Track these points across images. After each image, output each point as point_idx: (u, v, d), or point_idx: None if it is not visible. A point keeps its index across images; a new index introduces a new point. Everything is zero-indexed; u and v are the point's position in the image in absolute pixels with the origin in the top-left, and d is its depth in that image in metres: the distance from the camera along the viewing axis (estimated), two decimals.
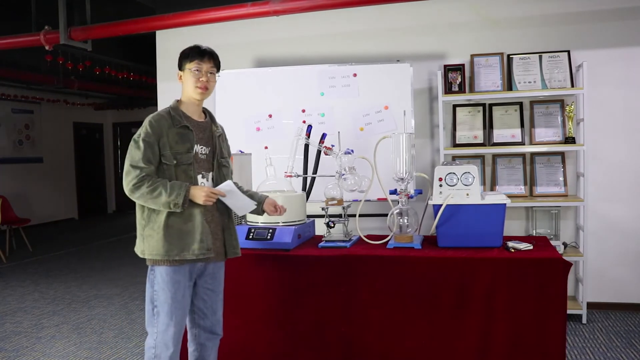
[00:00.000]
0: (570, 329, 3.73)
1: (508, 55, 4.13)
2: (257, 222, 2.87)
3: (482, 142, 4.15)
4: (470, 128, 4.20)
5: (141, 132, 2.23)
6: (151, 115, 2.28)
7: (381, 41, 4.43)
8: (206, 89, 2.32)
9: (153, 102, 6.36)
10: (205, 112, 2.45)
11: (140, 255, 2.30)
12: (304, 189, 3.45)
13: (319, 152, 3.37)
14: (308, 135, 3.28)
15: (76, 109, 10.67)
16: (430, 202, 2.67)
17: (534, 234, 4.12)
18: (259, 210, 2.52)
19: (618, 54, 4.04)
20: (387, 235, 2.82)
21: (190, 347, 2.47)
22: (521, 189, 4.13)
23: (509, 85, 4.10)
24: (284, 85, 4.20)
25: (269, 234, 2.77)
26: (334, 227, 2.87)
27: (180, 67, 2.34)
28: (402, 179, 2.71)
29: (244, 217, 3.00)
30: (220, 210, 2.39)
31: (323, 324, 2.66)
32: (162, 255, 2.22)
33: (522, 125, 4.12)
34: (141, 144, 2.20)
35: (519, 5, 4.19)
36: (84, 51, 5.76)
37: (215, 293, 2.43)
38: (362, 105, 4.07)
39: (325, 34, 4.54)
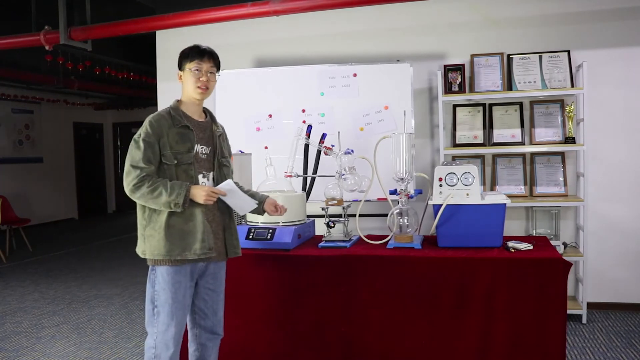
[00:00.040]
0: (570, 329, 3.73)
1: (508, 55, 4.13)
2: (257, 222, 2.87)
3: (482, 142, 4.15)
4: (470, 128, 4.20)
5: (141, 132, 2.23)
6: (151, 115, 2.28)
7: (381, 41, 4.43)
8: (206, 89, 2.32)
9: (153, 102, 6.36)
10: (206, 111, 2.45)
11: (142, 256, 2.29)
12: (304, 189, 3.45)
13: (319, 152, 3.37)
14: (308, 135, 3.28)
15: (76, 109, 10.67)
16: (430, 202, 2.67)
17: (534, 234, 4.12)
18: (259, 210, 2.52)
19: (618, 54, 4.04)
20: (387, 235, 2.82)
21: (191, 347, 2.47)
22: (521, 189, 4.13)
23: (509, 85, 4.10)
24: (284, 85, 4.20)
25: (269, 234, 2.77)
26: (334, 227, 2.87)
27: (180, 67, 2.34)
28: (402, 179, 2.71)
29: (244, 217, 3.01)
30: (222, 210, 2.39)
31: (323, 324, 2.66)
32: (163, 255, 2.22)
33: (522, 125, 4.12)
34: (141, 144, 2.20)
35: (519, 5, 4.19)
36: (84, 51, 5.76)
37: (217, 293, 2.43)
38: (362, 105, 4.07)
39: (325, 34, 4.54)
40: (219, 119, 2.55)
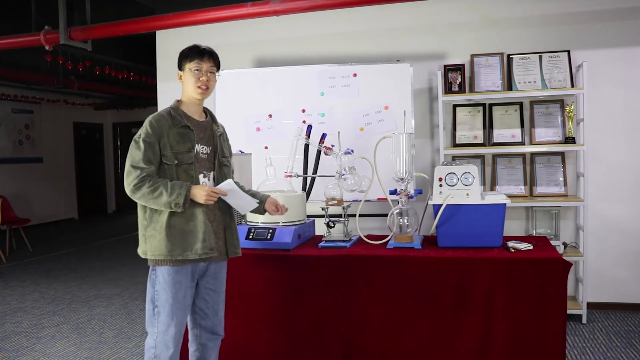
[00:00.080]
0: (570, 329, 3.73)
1: (508, 55, 4.13)
2: (257, 222, 2.87)
3: (482, 142, 4.15)
4: (470, 128, 4.20)
5: (141, 132, 2.23)
6: (151, 116, 2.28)
7: (381, 41, 4.43)
8: (207, 89, 2.32)
9: (153, 102, 6.36)
10: (206, 111, 2.45)
11: (143, 256, 2.29)
12: (304, 189, 3.45)
13: (319, 152, 3.36)
14: (308, 135, 3.28)
15: (76, 109, 10.67)
16: (430, 202, 2.67)
17: (534, 234, 4.12)
18: (260, 210, 2.52)
19: (618, 54, 4.04)
20: (387, 235, 2.82)
21: (192, 348, 2.47)
22: (521, 189, 4.13)
23: (509, 85, 4.10)
24: (284, 85, 4.20)
25: (269, 234, 2.77)
26: (334, 227, 2.87)
27: (180, 67, 2.34)
28: (402, 179, 2.71)
29: (244, 217, 3.01)
30: (222, 210, 2.39)
31: (323, 324, 2.66)
32: (164, 255, 2.22)
33: (522, 125, 4.12)
34: (141, 144, 2.20)
35: (519, 5, 4.19)
36: (84, 51, 5.76)
37: (217, 293, 2.43)
38: (362, 105, 4.07)
39: (325, 34, 4.54)
40: (219, 119, 2.55)
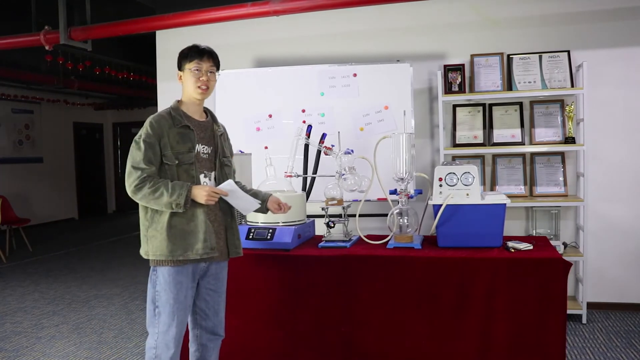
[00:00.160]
0: (570, 329, 3.73)
1: (508, 55, 4.13)
2: (257, 222, 2.87)
3: (482, 142, 4.16)
4: (470, 128, 4.20)
5: (142, 133, 2.23)
6: (152, 116, 2.28)
7: (381, 41, 4.43)
8: (207, 89, 2.32)
9: (153, 102, 6.36)
10: (207, 111, 2.45)
11: (145, 257, 2.30)
12: (304, 189, 3.45)
13: (319, 152, 3.36)
14: (308, 135, 3.28)
15: (76, 109, 10.67)
16: (430, 202, 2.67)
17: (534, 234, 4.12)
18: (263, 209, 2.52)
19: (618, 54, 4.04)
20: (387, 235, 2.82)
21: (192, 348, 2.47)
22: (521, 189, 4.13)
23: (509, 85, 4.10)
24: (284, 85, 4.20)
25: (269, 234, 2.77)
26: (334, 227, 2.87)
27: (180, 67, 2.34)
28: (402, 179, 2.71)
29: (244, 216, 3.00)
30: (223, 210, 2.39)
31: (323, 324, 2.66)
32: (166, 255, 2.22)
33: (522, 125, 4.12)
34: (142, 144, 2.20)
35: (519, 5, 4.19)
36: (84, 51, 5.77)
37: (218, 294, 2.43)
38: (362, 105, 4.07)
39: (325, 34, 4.54)
40: (219, 119, 2.55)
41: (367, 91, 4.07)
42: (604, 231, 4.10)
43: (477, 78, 4.15)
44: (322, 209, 2.90)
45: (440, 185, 2.65)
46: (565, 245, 3.99)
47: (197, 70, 2.29)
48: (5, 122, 9.28)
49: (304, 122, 4.07)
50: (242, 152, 3.69)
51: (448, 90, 4.12)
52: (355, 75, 4.09)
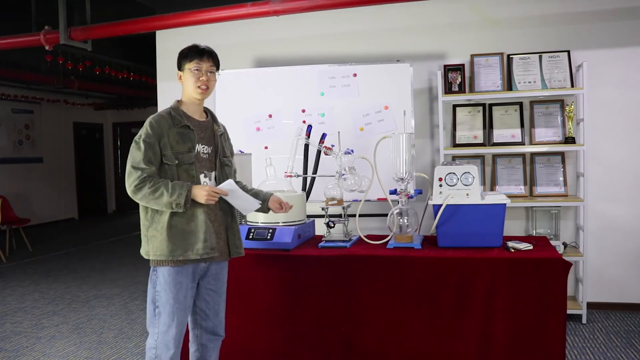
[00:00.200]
0: (570, 329, 3.73)
1: (508, 55, 4.13)
2: (257, 222, 2.87)
3: (482, 142, 4.16)
4: (470, 128, 4.20)
5: (142, 133, 2.23)
6: (151, 116, 2.28)
7: (381, 41, 4.43)
8: (207, 88, 2.32)
9: (153, 102, 6.36)
10: (207, 111, 2.45)
11: (145, 257, 2.30)
12: (304, 189, 3.45)
13: (319, 152, 3.37)
14: (308, 135, 3.28)
15: (76, 109, 10.67)
16: (430, 202, 2.67)
17: (534, 234, 4.12)
18: (264, 208, 2.51)
19: (618, 54, 4.04)
20: (387, 235, 2.82)
21: (192, 348, 2.47)
22: (521, 189, 4.13)
23: (509, 85, 4.10)
24: (284, 85, 4.20)
25: (269, 234, 2.77)
26: (334, 227, 2.87)
27: (180, 67, 2.34)
28: (402, 179, 2.71)
29: (244, 216, 3.00)
30: (224, 210, 2.39)
31: (323, 324, 2.66)
32: (166, 255, 2.22)
33: (522, 125, 4.12)
34: (142, 144, 2.20)
35: (519, 5, 4.19)
36: (84, 51, 5.76)
37: (218, 294, 2.43)
38: (362, 105, 4.07)
39: (325, 34, 4.54)
40: (219, 119, 2.55)
41: (367, 91, 4.07)
42: (604, 231, 4.10)
43: (477, 78, 4.15)
44: (322, 209, 2.90)
45: (440, 185, 2.65)
46: (565, 245, 3.99)
47: (197, 70, 2.29)
48: (5, 122, 9.28)
49: (304, 122, 4.07)
50: (242, 152, 3.69)
51: (448, 90, 4.12)
52: (355, 75, 4.09)
